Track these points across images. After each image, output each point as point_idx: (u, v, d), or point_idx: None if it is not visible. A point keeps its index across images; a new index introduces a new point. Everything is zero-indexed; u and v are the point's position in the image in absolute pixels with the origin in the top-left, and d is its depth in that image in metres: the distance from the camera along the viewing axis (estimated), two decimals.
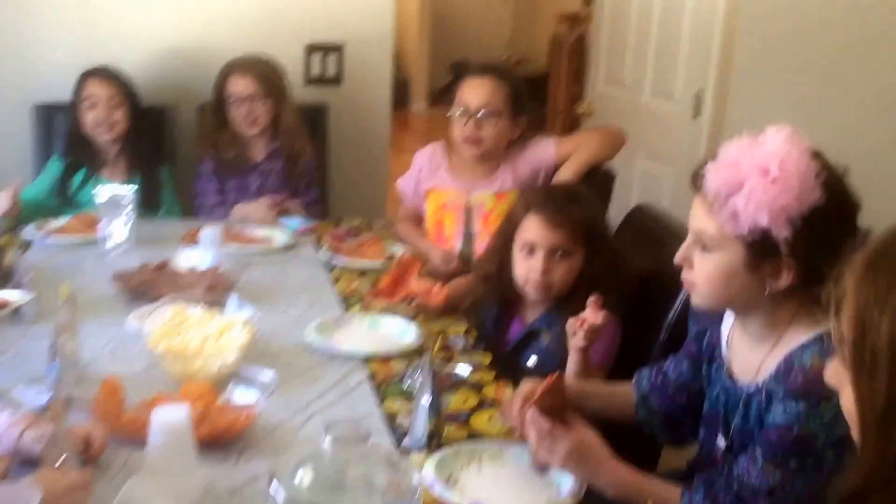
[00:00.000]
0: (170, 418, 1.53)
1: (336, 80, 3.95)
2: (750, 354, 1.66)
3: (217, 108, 3.39)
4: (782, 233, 1.50)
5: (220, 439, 1.72)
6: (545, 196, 2.35)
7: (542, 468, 1.68)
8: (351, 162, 3.97)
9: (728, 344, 1.74)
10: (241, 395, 1.85)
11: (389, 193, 3.93)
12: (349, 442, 1.11)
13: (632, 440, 1.88)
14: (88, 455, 1.65)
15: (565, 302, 2.26)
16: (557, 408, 1.69)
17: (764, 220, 1.50)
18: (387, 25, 3.94)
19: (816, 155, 1.55)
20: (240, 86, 3.33)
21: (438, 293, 2.47)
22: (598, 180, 2.95)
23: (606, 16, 4.37)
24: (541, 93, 9.64)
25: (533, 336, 2.33)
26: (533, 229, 2.29)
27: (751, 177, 1.51)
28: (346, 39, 3.90)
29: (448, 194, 3.07)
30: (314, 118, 3.74)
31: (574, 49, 7.93)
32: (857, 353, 0.94)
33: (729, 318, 1.75)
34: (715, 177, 1.55)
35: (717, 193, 1.55)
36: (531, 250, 2.30)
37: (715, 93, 3.62)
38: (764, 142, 1.55)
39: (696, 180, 1.61)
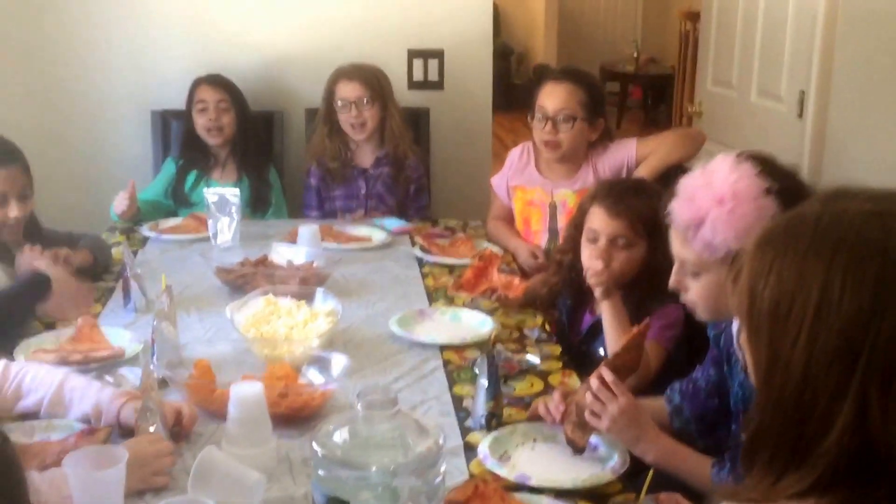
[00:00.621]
0: (245, 393, 1.69)
1: (438, 85, 4.07)
2: None
3: (326, 114, 3.55)
4: None
5: (297, 415, 1.88)
6: (608, 187, 2.45)
7: (577, 448, 1.78)
8: (452, 164, 4.09)
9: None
10: (318, 377, 2.00)
11: (491, 197, 4.03)
12: (379, 406, 1.24)
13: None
14: (181, 427, 1.83)
15: (628, 292, 2.33)
16: (629, 366, 1.81)
17: (734, 244, 1.63)
18: (486, 31, 4.04)
19: (763, 171, 1.67)
20: (347, 90, 3.49)
21: (517, 286, 2.58)
22: (675, 179, 2.99)
23: (714, 16, 4.38)
24: (669, 92, 9.58)
25: (600, 327, 2.41)
26: (596, 218, 2.39)
27: (710, 210, 1.66)
28: (447, 45, 4.03)
29: (534, 192, 3.18)
30: (416, 121, 3.88)
31: (696, 47, 7.85)
32: (748, 319, 1.06)
33: None
34: (679, 213, 1.71)
35: (685, 228, 1.70)
36: (595, 239, 2.39)
37: (817, 93, 3.59)
38: (714, 172, 1.69)
39: (666, 215, 1.75)
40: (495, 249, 3.00)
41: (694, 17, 8.39)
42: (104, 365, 2.14)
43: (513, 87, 10.05)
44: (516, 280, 2.62)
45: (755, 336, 1.05)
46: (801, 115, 3.65)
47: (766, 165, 1.70)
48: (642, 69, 10.45)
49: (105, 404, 1.85)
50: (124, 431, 1.81)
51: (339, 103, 3.49)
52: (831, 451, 0.96)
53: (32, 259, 2.51)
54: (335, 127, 3.54)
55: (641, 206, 2.35)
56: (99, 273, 2.80)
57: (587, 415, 1.76)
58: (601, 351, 2.38)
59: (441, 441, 1.26)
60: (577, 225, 2.48)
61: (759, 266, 1.04)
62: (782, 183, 1.67)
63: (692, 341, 2.28)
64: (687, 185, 1.74)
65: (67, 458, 1.54)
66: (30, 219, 2.68)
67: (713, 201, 1.66)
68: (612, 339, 2.27)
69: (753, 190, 1.65)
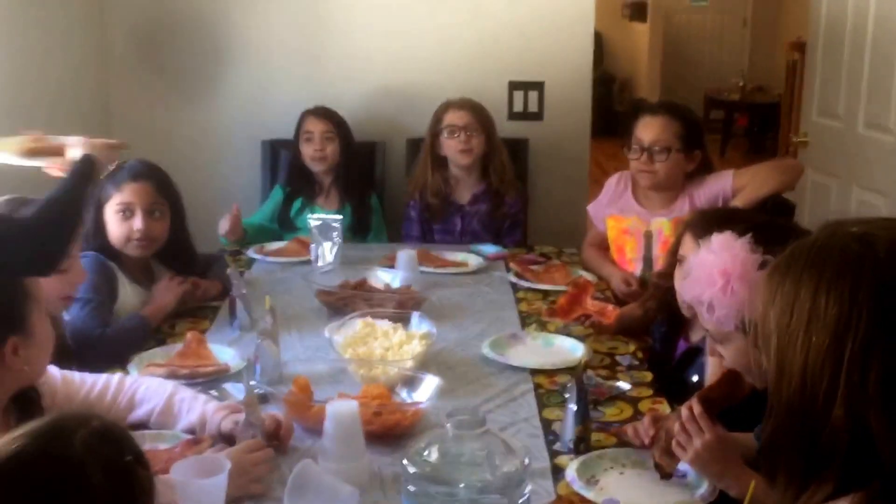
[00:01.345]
0: (341, 410, 1.77)
1: (538, 116, 4.12)
2: None
3: (430, 146, 3.63)
4: None
5: (390, 433, 1.95)
6: (699, 216, 2.46)
7: (664, 474, 1.80)
8: (549, 192, 4.12)
9: None
10: (411, 397, 2.07)
11: (587, 225, 4.05)
12: (468, 425, 1.29)
13: None
14: (278, 440, 1.92)
15: None
16: (721, 400, 1.84)
17: (736, 320, 1.70)
18: (587, 63, 4.07)
19: (756, 247, 1.74)
20: (456, 117, 3.57)
21: (611, 313, 2.60)
22: (767, 210, 2.98)
23: (820, 46, 4.33)
24: (776, 121, 9.46)
25: (695, 354, 2.42)
26: (686, 247, 2.40)
27: (705, 291, 1.74)
28: (547, 76, 4.08)
29: (629, 220, 3.21)
30: (515, 151, 3.92)
31: (804, 77, 7.75)
32: (761, 339, 1.18)
33: None
34: (683, 292, 1.83)
35: (693, 307, 1.79)
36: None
37: None
38: (710, 252, 1.77)
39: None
40: (589, 277, 3.04)
41: (801, 47, 8.19)
42: (210, 379, 2.25)
43: (614, 114, 10.04)
44: (610, 307, 2.64)
45: (766, 352, 1.16)
46: None
47: (770, 234, 1.78)
48: (748, 97, 10.33)
49: (209, 416, 1.95)
50: (226, 443, 1.91)
51: (447, 131, 3.56)
52: (836, 449, 1.07)
53: (167, 291, 2.69)
54: (438, 160, 3.62)
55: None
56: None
57: (674, 444, 1.78)
58: (694, 378, 2.39)
59: (527, 461, 1.31)
60: (674, 252, 2.50)
61: (766, 294, 1.18)
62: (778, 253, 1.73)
63: None
64: (691, 263, 1.84)
65: (175, 466, 1.64)
66: (180, 244, 2.83)
67: (707, 282, 1.75)
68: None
69: (746, 267, 1.72)
